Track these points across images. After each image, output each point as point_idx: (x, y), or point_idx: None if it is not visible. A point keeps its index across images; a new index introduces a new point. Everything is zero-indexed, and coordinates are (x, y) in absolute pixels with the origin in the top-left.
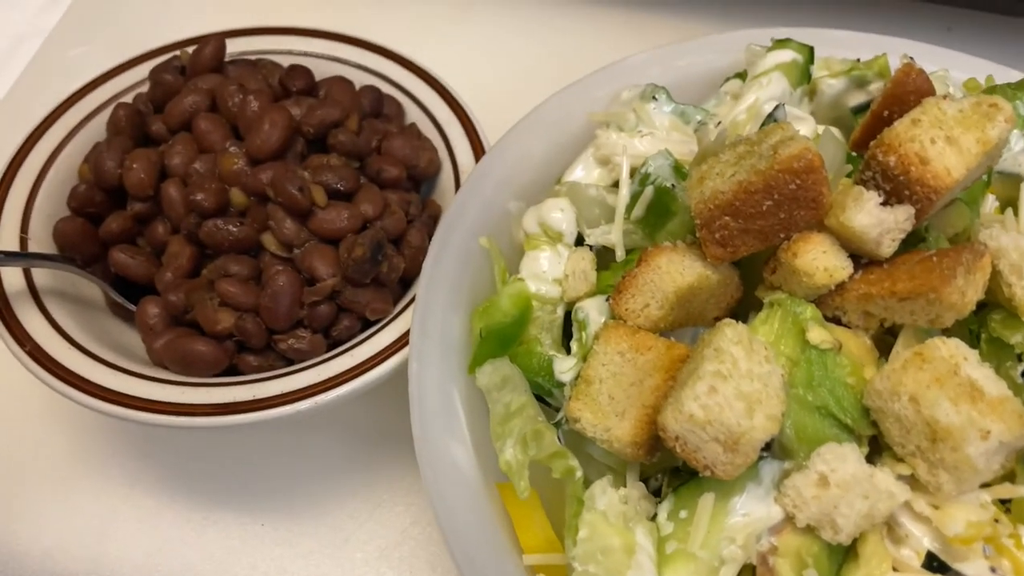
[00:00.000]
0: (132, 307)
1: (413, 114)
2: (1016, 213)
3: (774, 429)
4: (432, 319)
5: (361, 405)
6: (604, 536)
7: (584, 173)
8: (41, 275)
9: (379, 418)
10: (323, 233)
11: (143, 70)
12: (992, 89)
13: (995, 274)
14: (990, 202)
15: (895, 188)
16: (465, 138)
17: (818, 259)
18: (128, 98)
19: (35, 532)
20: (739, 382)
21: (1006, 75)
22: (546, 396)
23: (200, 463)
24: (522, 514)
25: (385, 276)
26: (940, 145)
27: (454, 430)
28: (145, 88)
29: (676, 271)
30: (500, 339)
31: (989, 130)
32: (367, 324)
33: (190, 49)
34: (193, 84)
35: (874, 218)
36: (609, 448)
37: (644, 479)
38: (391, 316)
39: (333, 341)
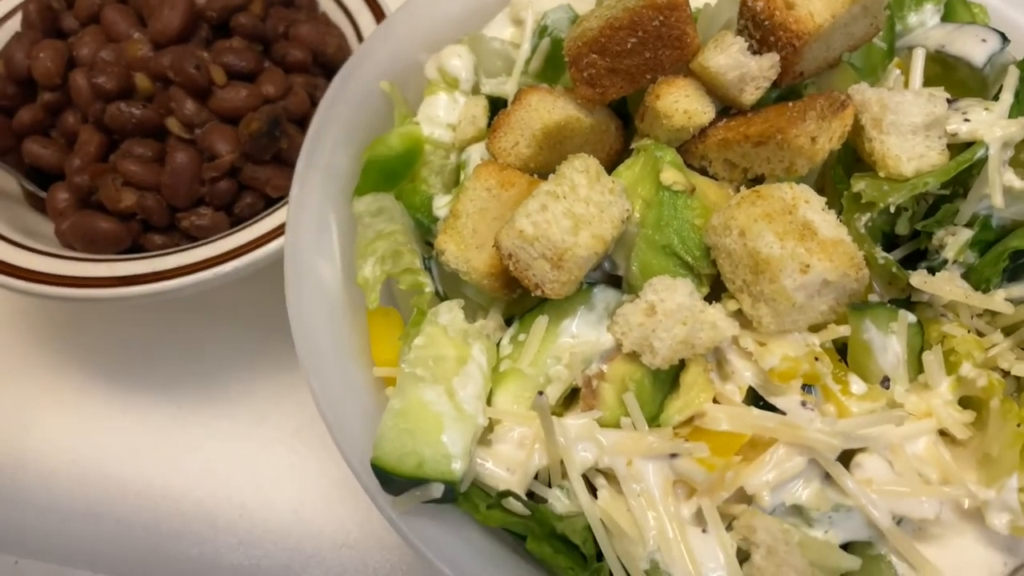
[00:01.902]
0: (45, 195)
1: (325, 4)
2: (906, 78)
3: (598, 248)
4: (320, 152)
5: (275, 290)
6: (440, 346)
7: (499, 30)
8: None
9: None
10: (222, 111)
11: None
12: None
13: (861, 129)
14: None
15: (763, 36)
16: (375, 25)
17: (680, 102)
18: None
19: None
20: (572, 204)
21: None
22: (427, 235)
23: (119, 352)
24: (381, 331)
25: (286, 154)
26: None
27: (324, 249)
28: None
29: (545, 109)
30: (384, 172)
31: None
32: (272, 203)
33: None
34: None
35: (733, 60)
36: (469, 280)
37: (510, 319)
38: None
39: (236, 219)
